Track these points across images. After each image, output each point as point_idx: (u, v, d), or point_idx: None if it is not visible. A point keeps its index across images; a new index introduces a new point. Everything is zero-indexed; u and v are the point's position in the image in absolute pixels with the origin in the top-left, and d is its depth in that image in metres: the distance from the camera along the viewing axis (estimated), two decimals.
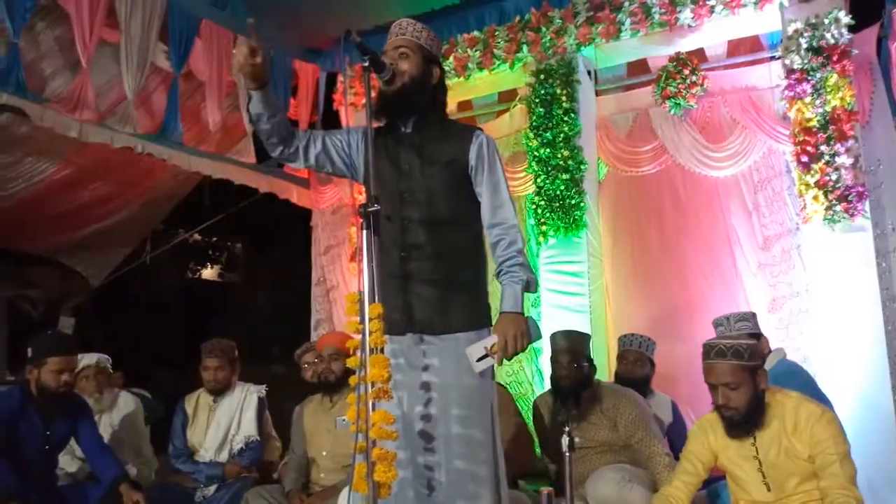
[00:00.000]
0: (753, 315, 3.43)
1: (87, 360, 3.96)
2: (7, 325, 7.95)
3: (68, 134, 4.78)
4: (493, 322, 2.25)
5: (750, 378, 2.39)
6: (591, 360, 3.30)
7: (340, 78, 6.47)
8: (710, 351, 2.46)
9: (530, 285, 2.21)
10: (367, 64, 2.05)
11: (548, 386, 3.51)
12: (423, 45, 2.26)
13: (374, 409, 1.78)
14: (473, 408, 2.15)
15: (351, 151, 2.31)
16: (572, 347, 3.25)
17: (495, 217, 2.25)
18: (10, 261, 7.33)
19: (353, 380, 1.83)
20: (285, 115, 2.36)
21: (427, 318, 2.18)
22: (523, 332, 2.13)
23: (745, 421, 2.43)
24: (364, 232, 1.85)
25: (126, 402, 4.10)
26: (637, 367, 3.84)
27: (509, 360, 2.15)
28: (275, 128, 2.20)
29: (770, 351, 3.30)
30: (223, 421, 3.86)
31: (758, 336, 3.20)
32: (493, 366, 2.23)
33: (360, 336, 1.84)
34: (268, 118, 2.16)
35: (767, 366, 3.07)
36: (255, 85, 2.09)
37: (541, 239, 5.07)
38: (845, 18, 4.25)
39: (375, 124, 2.21)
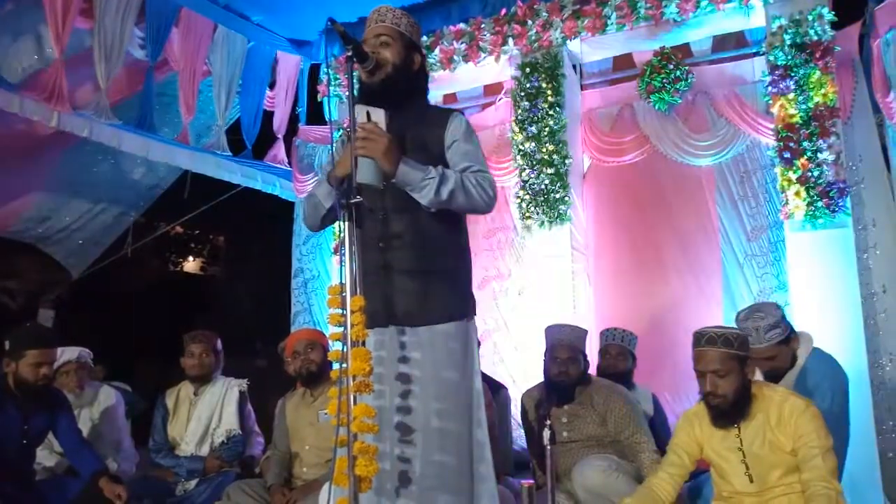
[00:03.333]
0: (783, 316, 2.86)
1: (67, 354, 3.89)
2: None
3: (48, 123, 4.71)
4: (473, 313, 2.26)
5: (738, 367, 2.42)
6: (585, 356, 3.30)
7: (324, 68, 6.43)
8: (700, 338, 2.48)
9: (442, 188, 2.05)
10: (350, 54, 2.02)
11: (527, 380, 3.50)
12: (403, 32, 2.24)
13: (355, 403, 1.77)
14: (451, 401, 2.14)
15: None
16: (571, 343, 3.24)
17: (463, 164, 2.17)
18: None
19: (334, 373, 1.82)
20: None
21: (407, 310, 2.17)
22: (384, 153, 1.98)
23: (731, 410, 2.45)
24: (346, 224, 1.84)
25: (107, 396, 4.05)
26: (620, 361, 3.87)
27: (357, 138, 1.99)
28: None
29: (798, 344, 2.90)
30: (204, 414, 3.83)
31: (788, 340, 2.82)
32: (476, 360, 2.22)
33: (337, 328, 1.83)
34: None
35: (802, 355, 2.87)
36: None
37: (525, 232, 5.07)
38: (828, 15, 4.29)
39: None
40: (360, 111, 2.02)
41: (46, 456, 3.67)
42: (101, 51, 4.78)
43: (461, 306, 2.24)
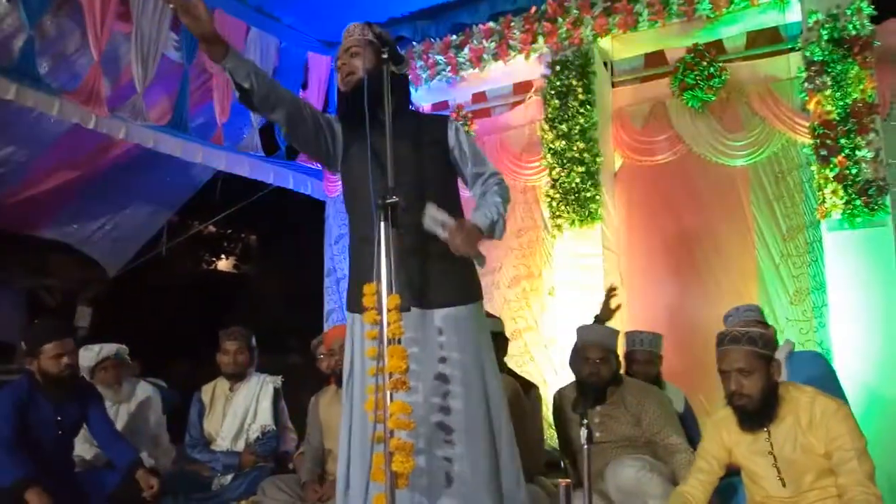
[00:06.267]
0: (758, 307, 3.42)
1: (106, 350, 3.98)
2: (25, 313, 8.04)
3: (86, 125, 4.81)
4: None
5: (763, 366, 2.37)
6: (617, 357, 3.29)
7: None
8: (723, 338, 2.45)
9: (496, 226, 2.21)
10: (385, 56, 2.05)
11: (558, 380, 3.49)
12: (372, 41, 2.28)
13: (391, 400, 1.79)
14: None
15: (334, 136, 2.33)
16: (603, 343, 3.23)
17: (476, 168, 2.36)
18: (27, 249, 7.39)
19: (371, 371, 1.84)
20: (275, 84, 2.22)
21: (425, 290, 2.20)
22: (471, 244, 2.07)
23: (757, 411, 2.39)
24: (381, 223, 1.86)
25: (144, 392, 4.13)
26: (649, 367, 3.80)
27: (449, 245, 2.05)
28: (267, 100, 2.12)
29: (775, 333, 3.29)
30: (239, 410, 3.89)
31: (765, 325, 3.16)
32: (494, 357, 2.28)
33: (372, 327, 1.85)
34: (253, 85, 2.07)
35: (780, 355, 3.05)
36: (217, 55, 2.02)
37: (555, 231, 5.06)
38: (867, 9, 4.20)
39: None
40: (431, 221, 2.05)
41: (86, 449, 3.75)
42: (137, 54, 4.88)
43: (466, 289, 2.31)
